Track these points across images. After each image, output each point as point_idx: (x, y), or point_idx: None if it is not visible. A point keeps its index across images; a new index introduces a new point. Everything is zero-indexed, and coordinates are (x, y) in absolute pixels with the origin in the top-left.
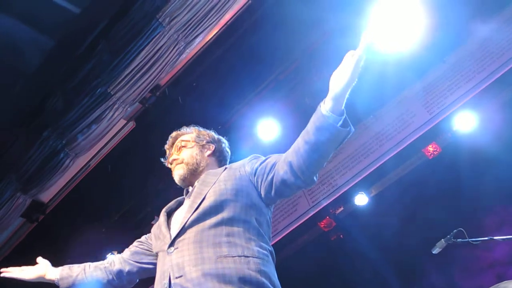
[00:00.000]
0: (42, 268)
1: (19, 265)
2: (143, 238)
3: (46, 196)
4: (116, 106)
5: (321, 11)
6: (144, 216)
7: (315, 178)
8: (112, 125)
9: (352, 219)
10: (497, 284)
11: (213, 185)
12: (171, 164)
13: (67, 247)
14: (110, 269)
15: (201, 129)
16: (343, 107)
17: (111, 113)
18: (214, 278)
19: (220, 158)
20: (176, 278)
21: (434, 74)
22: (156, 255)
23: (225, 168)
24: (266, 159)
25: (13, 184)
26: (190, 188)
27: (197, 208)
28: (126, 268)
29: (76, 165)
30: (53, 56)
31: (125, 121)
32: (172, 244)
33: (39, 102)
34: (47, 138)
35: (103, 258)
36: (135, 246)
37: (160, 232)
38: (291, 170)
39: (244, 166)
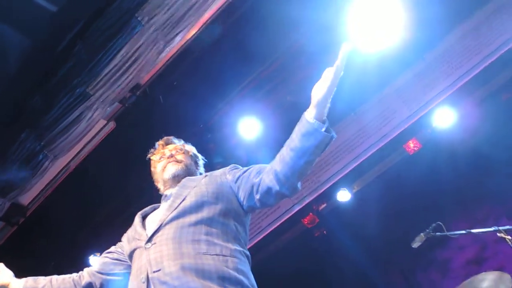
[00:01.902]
0: (5, 278)
1: None
2: (112, 248)
3: (26, 198)
4: (95, 106)
5: (302, 10)
6: (127, 216)
7: (299, 185)
8: (92, 125)
9: (335, 215)
10: (475, 276)
11: (194, 188)
12: (167, 158)
13: (50, 250)
14: (79, 282)
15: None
16: (325, 117)
17: (90, 113)
18: (193, 272)
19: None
20: (154, 272)
21: (414, 71)
22: (130, 258)
23: (205, 176)
24: (248, 169)
25: None
26: (168, 192)
27: (177, 207)
28: (96, 281)
29: (56, 167)
30: (30, 55)
31: (105, 121)
32: (150, 240)
33: (17, 103)
34: (25, 139)
35: (85, 260)
36: (104, 256)
37: (135, 232)
38: (276, 178)
39: (225, 174)
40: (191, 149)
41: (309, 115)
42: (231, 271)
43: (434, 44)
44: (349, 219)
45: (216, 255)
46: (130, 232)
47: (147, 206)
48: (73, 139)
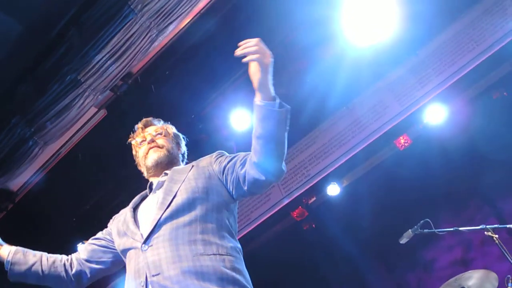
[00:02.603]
0: None
1: None
2: (99, 234)
3: (15, 184)
4: (86, 93)
5: (295, 3)
6: (116, 204)
7: (283, 167)
8: (83, 113)
9: (325, 209)
10: (461, 274)
11: (183, 182)
12: (149, 143)
13: (37, 236)
14: (69, 269)
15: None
16: (273, 93)
17: (81, 101)
18: (193, 276)
19: (184, 159)
20: (153, 276)
21: (406, 66)
22: (123, 255)
23: (192, 166)
24: (233, 157)
25: None
26: (154, 181)
27: (169, 205)
28: (86, 270)
29: (46, 154)
30: (22, 41)
31: (96, 109)
32: (146, 241)
33: (7, 88)
34: (15, 125)
35: (74, 248)
36: (91, 243)
37: (127, 228)
38: (259, 169)
39: (211, 164)
40: (172, 129)
41: (257, 100)
42: (228, 271)
43: (427, 40)
44: (338, 213)
45: (213, 254)
46: (120, 225)
47: (135, 195)
48: (64, 126)
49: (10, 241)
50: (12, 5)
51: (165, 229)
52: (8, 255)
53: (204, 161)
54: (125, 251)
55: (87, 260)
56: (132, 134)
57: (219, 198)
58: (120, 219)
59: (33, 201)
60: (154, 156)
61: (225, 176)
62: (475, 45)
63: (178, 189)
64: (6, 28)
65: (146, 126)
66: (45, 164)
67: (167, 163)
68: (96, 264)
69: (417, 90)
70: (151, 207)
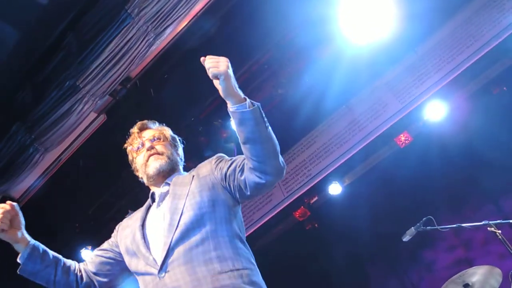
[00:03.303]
0: (17, 233)
1: None
2: (105, 245)
3: (17, 192)
4: (85, 99)
5: (292, 3)
6: (118, 210)
7: (280, 163)
8: (82, 118)
9: (327, 208)
10: (465, 270)
11: (187, 197)
12: (148, 150)
13: (41, 242)
14: (79, 281)
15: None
16: (242, 95)
17: (80, 106)
18: None
19: (182, 161)
20: None
21: (405, 64)
22: (133, 272)
23: (193, 177)
24: (232, 162)
25: None
26: (157, 192)
27: (178, 225)
28: (95, 282)
29: (47, 160)
30: (20, 48)
31: (95, 114)
32: (162, 268)
33: (6, 96)
34: (16, 132)
35: (78, 254)
36: (98, 255)
37: (138, 250)
38: (256, 173)
39: (213, 172)
40: (168, 132)
41: (229, 107)
42: (247, 286)
43: (426, 37)
44: (340, 212)
45: (231, 271)
46: (129, 244)
47: (138, 199)
48: (64, 132)
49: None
50: (10, 12)
51: (178, 252)
52: (27, 248)
53: (204, 168)
54: (139, 274)
55: (95, 273)
56: (128, 139)
57: (226, 207)
58: (128, 236)
59: (35, 208)
60: (155, 164)
61: (228, 183)
62: (473, 40)
63: (184, 205)
64: (4, 35)
65: (142, 130)
66: (46, 171)
67: (168, 170)
68: (104, 277)
69: (416, 87)
70: (159, 226)
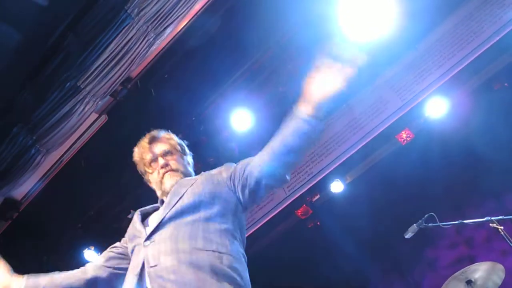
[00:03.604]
0: (4, 279)
1: None
2: (117, 243)
3: (19, 193)
4: (86, 100)
5: (292, 1)
6: (120, 210)
7: (287, 177)
8: (84, 119)
9: (329, 206)
10: (467, 267)
11: (190, 186)
12: (162, 167)
13: (43, 244)
14: (83, 277)
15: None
16: (322, 114)
17: (81, 107)
18: (188, 266)
19: (193, 170)
20: (151, 267)
21: (406, 60)
22: (130, 254)
23: (202, 174)
24: (240, 163)
25: None
26: (165, 198)
27: (174, 205)
28: (102, 275)
29: (49, 161)
30: (20, 50)
31: (97, 115)
32: (148, 238)
33: (7, 97)
34: (17, 134)
35: (81, 255)
36: (109, 251)
37: (135, 229)
38: (265, 170)
39: (220, 173)
40: (175, 140)
41: (304, 113)
42: (224, 267)
43: (426, 34)
44: (342, 210)
45: (212, 251)
46: (130, 230)
47: (140, 200)
48: (65, 133)
49: (16, 249)
50: (10, 14)
51: (167, 227)
52: (21, 284)
53: (214, 170)
54: (132, 251)
55: (103, 265)
56: (137, 150)
57: (226, 204)
58: (131, 224)
59: (37, 208)
60: (171, 182)
61: (233, 180)
62: (474, 36)
63: (185, 192)
64: (5, 37)
65: (152, 142)
66: (48, 172)
67: None
68: (114, 269)
69: (417, 84)
70: (159, 211)
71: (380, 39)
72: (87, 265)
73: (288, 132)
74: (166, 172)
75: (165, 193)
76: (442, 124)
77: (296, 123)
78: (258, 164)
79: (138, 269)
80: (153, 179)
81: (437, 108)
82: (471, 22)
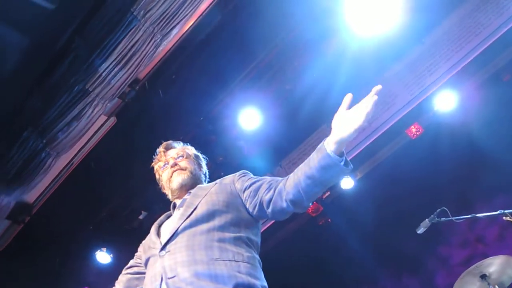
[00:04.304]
0: None
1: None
2: (131, 262)
3: (31, 197)
4: (95, 102)
5: None
6: (130, 211)
7: (310, 204)
8: (93, 121)
9: (339, 203)
10: (482, 261)
11: (204, 196)
12: (172, 167)
13: (56, 246)
14: None
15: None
16: (343, 149)
17: (90, 110)
18: (206, 278)
19: (206, 179)
20: (169, 278)
21: (413, 55)
22: (144, 266)
23: (215, 183)
24: (257, 180)
25: None
26: (178, 201)
27: (189, 216)
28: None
29: (59, 164)
30: (28, 54)
31: (105, 117)
32: (164, 247)
33: (17, 102)
34: (27, 138)
35: (93, 256)
36: (125, 274)
37: (150, 241)
38: (290, 201)
39: (234, 182)
40: (192, 150)
41: (329, 148)
42: (243, 276)
43: (433, 27)
44: (353, 206)
45: (229, 261)
46: (146, 242)
47: (150, 201)
48: (75, 136)
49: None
50: (18, 19)
51: (182, 237)
52: None
53: (228, 179)
54: (146, 261)
55: None
56: (154, 158)
57: (238, 213)
58: (147, 238)
59: (49, 211)
60: (178, 179)
61: (246, 196)
62: (482, 28)
63: (199, 202)
64: (13, 42)
65: (167, 149)
66: (59, 175)
67: (191, 184)
68: None
69: (425, 78)
70: (173, 220)
71: (386, 34)
72: None
73: (313, 166)
74: (175, 171)
75: (174, 193)
76: (452, 118)
77: (321, 159)
78: (282, 193)
79: (159, 282)
80: (163, 180)
81: (446, 102)
82: (478, 14)
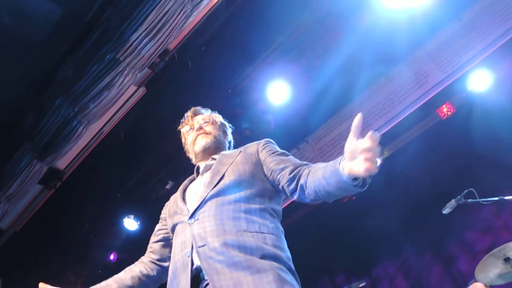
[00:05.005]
0: None
1: (39, 230)
2: (158, 226)
3: (62, 163)
4: (126, 72)
5: None
6: (158, 180)
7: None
8: (123, 91)
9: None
10: (506, 243)
11: (230, 165)
12: (197, 130)
13: (84, 212)
14: (151, 274)
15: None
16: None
17: (121, 79)
18: (235, 249)
19: (230, 147)
20: (199, 247)
21: (448, 31)
22: (172, 232)
23: (240, 151)
24: (282, 160)
25: (28, 153)
26: (202, 165)
27: (216, 184)
28: (165, 267)
29: (90, 132)
30: (61, 24)
31: (135, 87)
32: (192, 215)
33: (49, 71)
34: (60, 106)
35: (121, 223)
36: (156, 242)
37: (177, 207)
38: (311, 200)
39: (258, 152)
40: (219, 118)
41: (345, 174)
42: (269, 247)
43: (471, 3)
44: (378, 185)
45: (256, 232)
46: (171, 206)
47: (177, 170)
48: (105, 105)
49: (59, 217)
50: None
51: (210, 205)
52: None
53: (251, 148)
54: (173, 227)
55: (160, 260)
56: (181, 122)
57: (264, 184)
58: (171, 201)
59: (79, 178)
60: (201, 142)
61: (270, 174)
62: None
63: (226, 170)
64: (46, 12)
65: (195, 114)
66: (89, 143)
67: (214, 148)
68: (165, 262)
69: (460, 56)
70: (199, 187)
71: (421, 7)
72: (145, 261)
73: (331, 181)
74: (199, 134)
75: (198, 156)
76: (486, 99)
77: (337, 179)
78: (304, 188)
79: (189, 249)
80: (188, 143)
81: (481, 82)
82: None
